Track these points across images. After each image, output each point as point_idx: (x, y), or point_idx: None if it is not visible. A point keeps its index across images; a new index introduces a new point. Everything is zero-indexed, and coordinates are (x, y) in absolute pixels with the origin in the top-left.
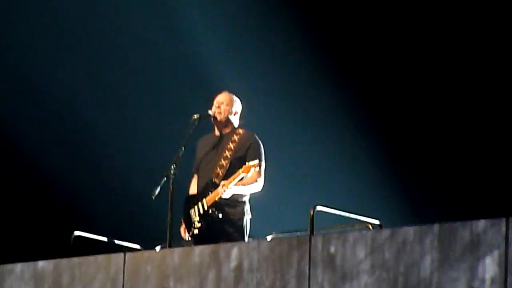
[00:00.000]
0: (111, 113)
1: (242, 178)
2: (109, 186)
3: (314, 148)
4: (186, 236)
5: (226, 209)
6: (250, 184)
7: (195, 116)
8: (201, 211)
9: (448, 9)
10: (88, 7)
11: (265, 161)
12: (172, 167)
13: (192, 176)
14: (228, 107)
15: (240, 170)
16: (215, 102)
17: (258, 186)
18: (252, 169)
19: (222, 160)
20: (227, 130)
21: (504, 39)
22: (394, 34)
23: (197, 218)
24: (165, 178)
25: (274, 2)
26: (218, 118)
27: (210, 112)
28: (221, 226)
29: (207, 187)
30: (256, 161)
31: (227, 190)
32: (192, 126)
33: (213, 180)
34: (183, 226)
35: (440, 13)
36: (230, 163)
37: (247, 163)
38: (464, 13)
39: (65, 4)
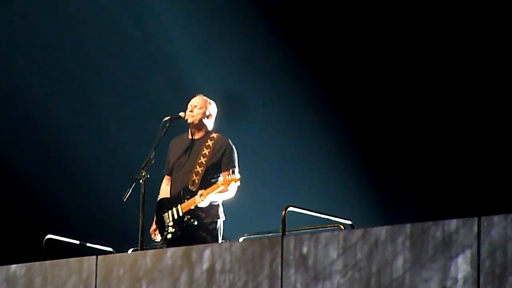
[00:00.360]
0: (83, 116)
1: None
2: (81, 189)
3: (285, 149)
4: (156, 237)
5: (200, 213)
6: (225, 191)
7: (166, 118)
8: (176, 217)
9: (442, 9)
10: (62, 10)
11: (238, 166)
12: (143, 169)
13: (163, 178)
14: (202, 110)
15: (219, 183)
16: (189, 105)
17: (231, 193)
18: (232, 183)
19: (197, 166)
20: (200, 134)
21: (492, 38)
22: (368, 32)
23: (171, 223)
24: (136, 181)
25: (251, 5)
26: (190, 121)
27: (181, 114)
28: (195, 231)
29: (182, 193)
30: (237, 177)
31: (204, 200)
32: (162, 128)
33: (189, 187)
34: (154, 227)
35: (433, 14)
36: (205, 169)
37: (226, 175)
38: (460, 12)
39: (37, 7)
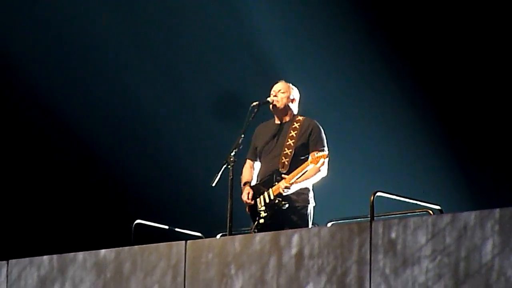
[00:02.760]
0: (171, 104)
1: (306, 171)
2: (170, 174)
3: (373, 134)
4: (249, 201)
5: (292, 197)
6: (313, 175)
7: (254, 104)
8: (267, 201)
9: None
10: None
11: (327, 147)
12: (232, 154)
13: (245, 162)
14: (286, 94)
15: (309, 161)
16: (272, 91)
17: (321, 174)
18: (321, 159)
19: (286, 149)
20: (287, 118)
21: None
22: (462, 32)
23: (263, 208)
24: (224, 166)
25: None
26: (277, 106)
27: (268, 99)
28: (286, 215)
29: (273, 176)
30: (325, 152)
31: (287, 190)
32: (251, 113)
33: (280, 169)
34: (247, 191)
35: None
36: (294, 151)
37: (315, 153)
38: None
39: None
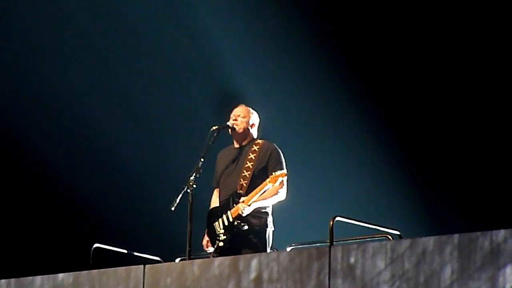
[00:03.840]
0: (131, 127)
1: (265, 191)
2: (129, 198)
3: (332, 159)
4: (209, 249)
5: (250, 219)
6: (271, 196)
7: (214, 128)
8: (226, 223)
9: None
10: (110, 21)
11: (286, 170)
12: (191, 178)
13: (213, 190)
14: (246, 119)
15: (267, 180)
16: (231, 115)
17: (280, 196)
18: (280, 178)
19: (244, 171)
20: (245, 142)
21: None
22: (424, 47)
23: (222, 231)
24: (184, 190)
25: (293, 12)
26: (236, 130)
27: (228, 123)
28: (245, 238)
29: (232, 198)
30: (284, 171)
31: (246, 208)
32: (210, 137)
33: (238, 191)
34: (206, 240)
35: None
36: (253, 173)
37: (273, 173)
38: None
39: (94, 21)
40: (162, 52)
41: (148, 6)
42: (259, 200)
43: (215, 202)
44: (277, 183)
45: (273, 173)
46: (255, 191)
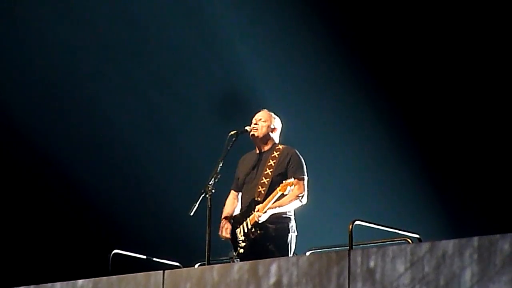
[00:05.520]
0: (151, 134)
1: (280, 196)
2: (148, 203)
3: (352, 163)
4: (225, 235)
5: (269, 226)
6: (289, 202)
7: (232, 133)
8: (246, 230)
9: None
10: (123, 22)
11: (307, 175)
12: (210, 183)
13: (229, 193)
14: (267, 123)
15: (278, 189)
16: (253, 120)
17: (299, 202)
18: (288, 187)
19: (263, 178)
20: (267, 147)
21: None
22: (443, 58)
23: (242, 238)
24: (202, 195)
25: (315, 21)
26: (256, 135)
27: (247, 128)
28: (264, 245)
29: (250, 206)
30: (292, 180)
31: (262, 215)
32: (229, 142)
33: (256, 198)
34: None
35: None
36: (271, 180)
37: (284, 180)
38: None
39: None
40: (178, 54)
41: (164, 10)
42: (276, 207)
43: (228, 206)
44: (287, 191)
45: (284, 180)
46: (268, 199)
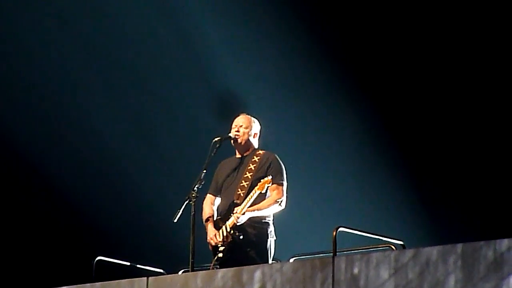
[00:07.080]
0: (134, 141)
1: (259, 195)
2: (131, 210)
3: (335, 169)
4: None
5: (249, 230)
6: (268, 206)
7: (216, 139)
8: (225, 234)
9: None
10: (116, 32)
11: (286, 181)
12: (194, 190)
13: (205, 196)
14: (247, 129)
15: (256, 188)
16: (233, 125)
17: (278, 206)
18: (266, 185)
19: (243, 181)
20: (247, 152)
21: None
22: (427, 61)
23: (221, 241)
24: (186, 201)
25: (294, 22)
26: (238, 141)
27: (231, 134)
28: (244, 249)
29: (230, 208)
30: (269, 178)
31: (241, 216)
32: (212, 149)
33: (235, 201)
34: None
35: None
36: (251, 183)
37: (261, 180)
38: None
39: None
40: (161, 61)
41: (147, 15)
42: (255, 210)
43: (207, 209)
44: (264, 190)
45: (261, 179)
46: (246, 199)
